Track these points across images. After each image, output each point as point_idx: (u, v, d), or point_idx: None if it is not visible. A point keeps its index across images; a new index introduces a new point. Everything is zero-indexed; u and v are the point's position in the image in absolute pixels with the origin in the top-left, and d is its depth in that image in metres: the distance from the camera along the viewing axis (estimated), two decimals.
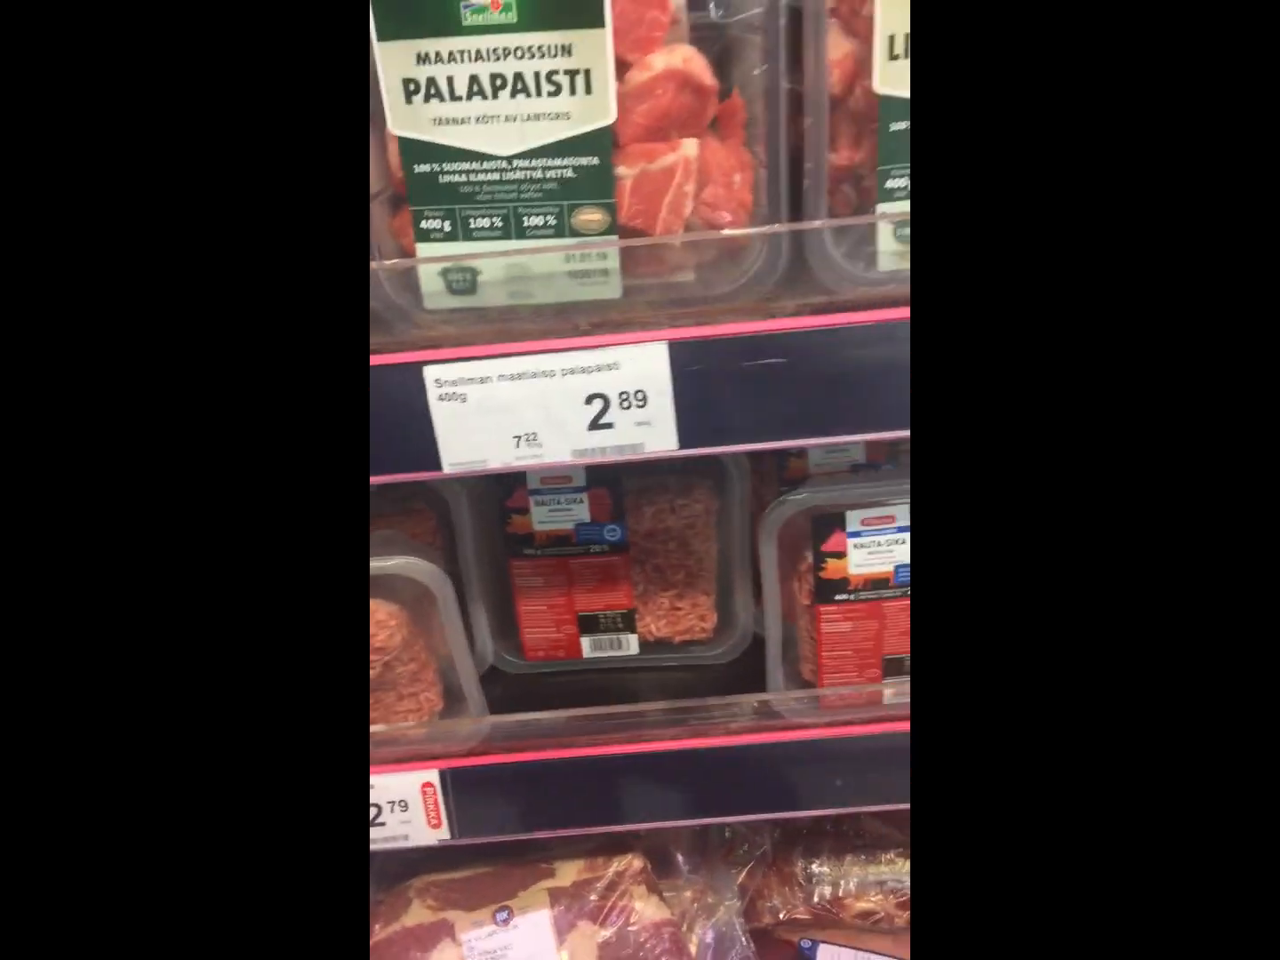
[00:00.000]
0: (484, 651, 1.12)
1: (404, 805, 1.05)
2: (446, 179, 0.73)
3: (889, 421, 0.79)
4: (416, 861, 1.30)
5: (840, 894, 1.36)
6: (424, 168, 0.73)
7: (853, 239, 0.75)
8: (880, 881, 1.35)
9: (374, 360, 0.77)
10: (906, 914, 1.35)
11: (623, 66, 0.70)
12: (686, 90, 0.70)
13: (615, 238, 0.74)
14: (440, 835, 1.07)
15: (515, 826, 1.07)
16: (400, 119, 0.71)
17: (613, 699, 1.05)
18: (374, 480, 0.82)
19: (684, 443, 0.80)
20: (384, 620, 0.97)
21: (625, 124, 0.71)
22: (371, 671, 1.00)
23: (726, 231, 0.75)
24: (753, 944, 1.23)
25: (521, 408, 0.78)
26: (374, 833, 1.07)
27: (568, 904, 1.19)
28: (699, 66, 0.70)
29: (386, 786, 1.04)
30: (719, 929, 1.24)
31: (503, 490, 1.03)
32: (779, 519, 0.95)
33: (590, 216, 0.73)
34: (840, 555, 0.97)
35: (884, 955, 1.25)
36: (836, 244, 0.75)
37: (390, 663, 1.01)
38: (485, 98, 0.70)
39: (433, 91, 0.70)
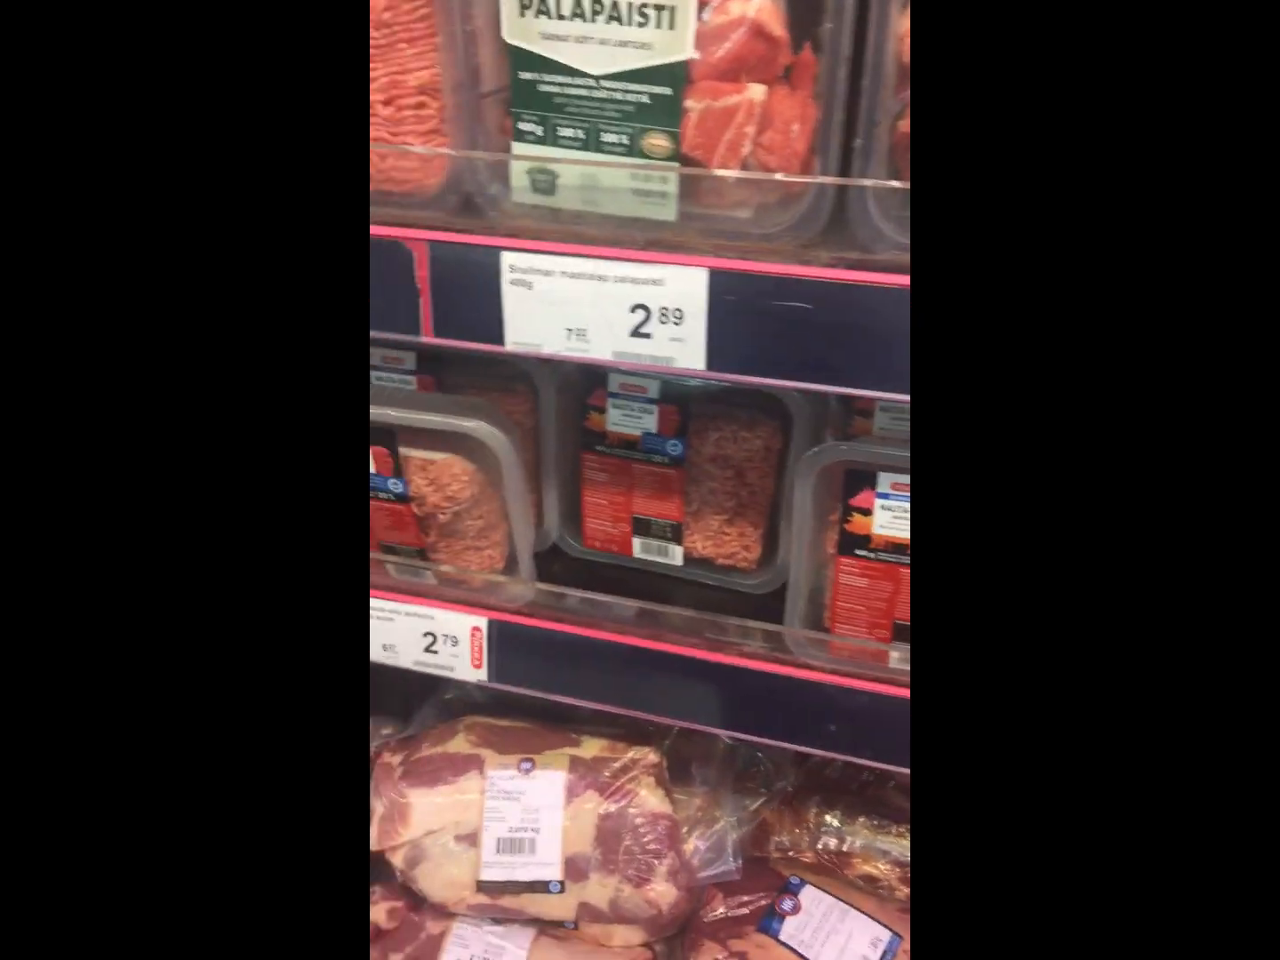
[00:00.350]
0: (550, 530, 1.24)
1: (454, 641, 1.20)
2: (544, 88, 0.83)
3: (902, 383, 0.83)
4: (474, 705, 1.47)
5: (845, 849, 1.41)
6: (527, 75, 0.83)
7: (895, 203, 0.80)
8: (885, 851, 1.39)
9: (467, 239, 0.89)
10: (906, 889, 1.39)
11: (704, 8, 0.77)
12: (759, 38, 0.76)
13: (676, 164, 0.82)
14: (479, 675, 1.21)
15: (541, 684, 1.19)
16: (513, 29, 0.82)
17: (649, 600, 1.15)
18: (459, 344, 0.95)
19: (711, 365, 0.87)
20: (458, 474, 1.11)
21: (701, 62, 0.78)
22: (443, 517, 1.15)
23: (777, 176, 0.81)
24: (739, 861, 1.31)
25: (576, 304, 0.87)
26: (428, 659, 1.23)
27: (583, 773, 1.31)
28: (770, 16, 0.76)
29: (446, 621, 1.19)
30: (714, 839, 1.32)
31: (586, 387, 1.14)
32: (815, 463, 1.00)
33: (657, 141, 0.81)
34: (867, 512, 1.01)
35: (862, 912, 1.29)
36: (878, 205, 0.79)
37: (460, 513, 1.15)
38: (585, 20, 0.79)
39: (542, 8, 0.80)
